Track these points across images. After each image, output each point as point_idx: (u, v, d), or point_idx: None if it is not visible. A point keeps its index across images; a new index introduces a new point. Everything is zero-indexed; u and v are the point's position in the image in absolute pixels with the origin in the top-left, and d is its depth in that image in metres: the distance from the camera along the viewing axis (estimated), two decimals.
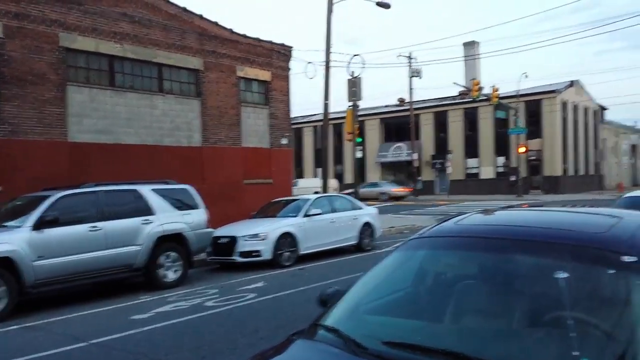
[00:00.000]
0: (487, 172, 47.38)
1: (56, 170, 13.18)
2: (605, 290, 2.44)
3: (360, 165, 52.85)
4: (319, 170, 52.04)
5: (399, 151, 50.26)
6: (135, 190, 10.16)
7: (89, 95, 14.29)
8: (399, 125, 49.83)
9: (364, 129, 52.91)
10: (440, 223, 3.22)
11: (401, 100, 49.79)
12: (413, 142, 45.82)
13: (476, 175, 47.83)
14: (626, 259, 2.39)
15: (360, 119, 52.31)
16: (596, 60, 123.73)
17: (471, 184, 46.82)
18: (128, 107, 15.15)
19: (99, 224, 9.34)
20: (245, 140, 18.60)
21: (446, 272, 3.01)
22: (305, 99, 60.39)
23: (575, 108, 47.98)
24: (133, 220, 9.85)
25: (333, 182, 46.58)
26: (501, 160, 46.40)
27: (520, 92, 41.41)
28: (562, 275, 2.39)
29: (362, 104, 56.27)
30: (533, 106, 44.53)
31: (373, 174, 52.96)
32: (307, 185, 42.06)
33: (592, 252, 2.50)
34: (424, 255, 3.03)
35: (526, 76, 39.79)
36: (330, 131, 48.44)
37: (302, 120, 55.88)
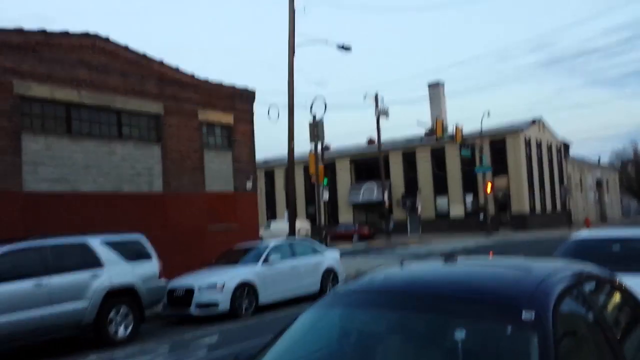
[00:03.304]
0: (456, 211, 47.79)
1: (9, 222, 12.72)
2: (504, 347, 2.40)
3: (332, 206, 52.97)
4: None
5: (370, 191, 50.46)
6: (83, 243, 9.79)
7: (44, 143, 13.99)
8: (369, 165, 50.22)
9: (335, 169, 53.20)
10: (356, 278, 3.20)
11: (370, 140, 50.31)
12: (383, 182, 46.12)
13: (446, 214, 48.18)
14: (525, 315, 2.37)
15: (331, 159, 52.91)
16: (557, 97, 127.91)
17: (442, 223, 47.10)
18: (86, 154, 14.85)
19: (44, 280, 8.91)
20: (209, 185, 18.37)
21: (357, 331, 2.92)
22: (276, 140, 60.77)
23: (539, 145, 49.09)
24: (80, 274, 9.44)
25: (305, 224, 46.37)
26: (470, 198, 46.92)
27: (485, 131, 42.28)
28: (461, 333, 2.40)
29: (333, 144, 56.89)
30: (498, 144, 45.44)
31: (345, 214, 52.94)
32: (280, 228, 41.72)
33: (492, 308, 2.49)
34: (337, 313, 2.97)
35: (489, 115, 40.79)
36: (301, 172, 48.51)
37: (274, 162, 55.85)
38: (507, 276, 2.93)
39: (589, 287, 3.03)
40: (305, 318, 2.99)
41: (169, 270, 12.82)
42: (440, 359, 2.49)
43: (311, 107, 20.88)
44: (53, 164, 14.08)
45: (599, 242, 7.31)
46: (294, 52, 20.60)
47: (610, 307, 3.34)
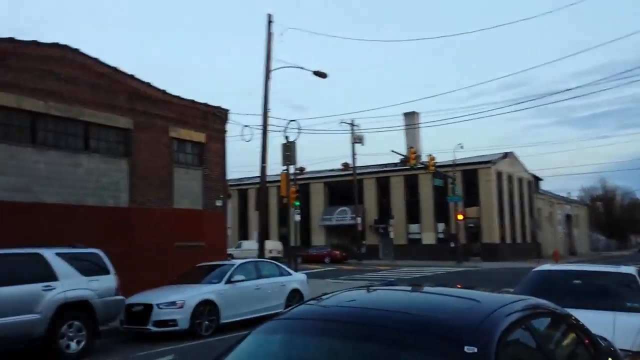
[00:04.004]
0: (428, 238, 48.08)
1: None
2: None
3: (305, 228, 52.78)
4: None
5: (343, 215, 50.51)
6: (37, 254, 9.55)
7: (7, 152, 13.69)
8: (343, 189, 50.37)
9: (308, 192, 53.18)
10: (300, 304, 3.19)
11: (345, 165, 50.54)
12: (357, 207, 46.26)
13: (418, 240, 48.43)
14: (467, 349, 2.33)
15: (305, 182, 52.89)
16: (526, 134, 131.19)
17: (414, 249, 47.27)
18: (49, 165, 14.58)
19: None
20: (177, 202, 18.16)
21: (295, 358, 2.84)
22: (250, 160, 60.86)
23: (510, 178, 49.90)
24: (32, 287, 9.18)
25: (276, 245, 46.06)
26: (441, 226, 47.29)
27: (457, 162, 42.84)
28: None
29: (309, 168, 57.00)
30: (470, 175, 46.06)
31: (318, 236, 52.82)
32: (251, 247, 41.34)
33: (434, 340, 2.44)
34: (277, 339, 2.92)
35: (461, 147, 41.60)
36: (275, 193, 48.36)
37: (247, 182, 55.58)
38: (454, 307, 2.88)
39: (539, 322, 3.00)
40: (245, 343, 2.94)
41: (133, 286, 12.56)
42: None
43: (285, 130, 20.91)
44: (14, 173, 13.78)
45: (560, 276, 7.37)
46: (269, 76, 20.72)
47: (561, 343, 3.30)
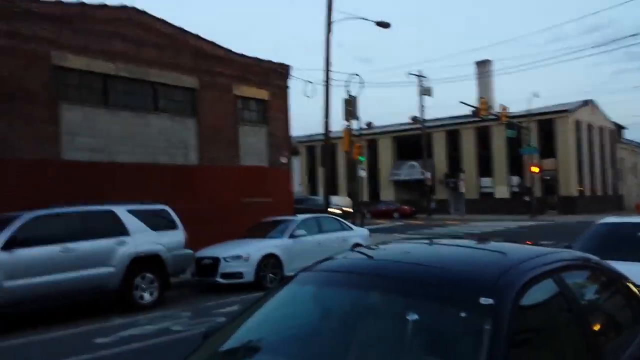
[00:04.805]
0: (501, 192, 46.73)
1: (48, 189, 13.15)
2: (459, 331, 2.35)
3: (374, 184, 52.68)
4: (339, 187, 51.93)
5: (412, 170, 49.85)
6: (110, 211, 10.05)
7: (82, 113, 14.36)
8: (411, 143, 49.51)
9: (377, 147, 52.76)
10: (333, 257, 3.21)
11: (414, 119, 49.54)
12: (425, 161, 45.46)
13: (491, 194, 47.20)
14: (483, 301, 2.28)
15: (372, 137, 52.45)
16: (613, 79, 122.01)
17: (486, 204, 46.16)
18: (122, 126, 15.18)
19: (71, 245, 9.21)
20: (244, 159, 18.53)
21: (324, 309, 2.92)
22: (319, 116, 60.49)
23: (590, 127, 47.20)
24: (107, 241, 9.72)
25: (345, 200, 46.32)
26: (515, 179, 45.74)
27: (532, 112, 40.93)
28: (413, 316, 2.37)
29: (376, 122, 56.30)
30: (546, 126, 43.95)
31: (387, 192, 52.59)
32: (320, 203, 41.93)
33: (452, 291, 2.44)
34: (309, 291, 2.98)
35: (537, 96, 39.61)
36: (342, 149, 48.29)
37: (316, 138, 55.73)
38: (479, 260, 2.89)
39: (572, 276, 2.89)
40: (279, 294, 3.00)
41: (202, 240, 13.08)
42: (395, 338, 2.47)
43: (347, 85, 20.62)
44: (90, 134, 14.45)
45: (626, 228, 6.97)
46: (330, 29, 20.34)
47: (598, 299, 3.18)
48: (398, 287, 2.58)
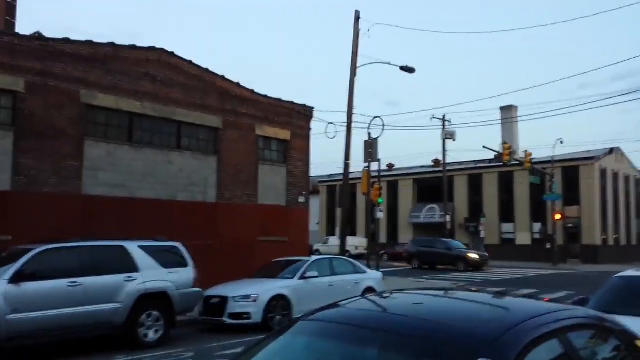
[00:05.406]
0: (523, 238, 46.01)
1: (69, 224, 13.43)
2: None
3: (393, 225, 52.40)
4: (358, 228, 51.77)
5: (432, 212, 49.52)
6: (121, 247, 10.20)
7: (106, 150, 14.75)
8: (432, 186, 49.33)
9: (397, 188, 52.68)
10: (336, 304, 3.20)
11: (436, 162, 49.50)
12: (446, 204, 45.14)
13: (512, 240, 46.51)
14: None
15: (393, 178, 52.48)
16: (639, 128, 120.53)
17: (507, 250, 45.42)
18: (145, 163, 15.53)
19: (79, 280, 9.32)
20: (262, 198, 18.71)
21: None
22: (340, 157, 61.10)
23: (615, 176, 46.56)
24: (115, 277, 9.82)
25: (363, 241, 46.03)
26: (537, 226, 45.08)
27: (557, 158, 40.60)
28: None
29: (398, 164, 56.38)
30: (570, 172, 43.48)
31: (405, 234, 52.17)
32: (338, 244, 41.69)
33: (450, 350, 2.37)
34: (302, 342, 2.96)
35: (562, 142, 39.21)
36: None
37: (336, 178, 55.97)
38: (480, 316, 2.80)
39: (579, 336, 2.78)
40: (272, 344, 2.99)
41: (217, 278, 13.16)
42: None
43: (369, 127, 20.86)
44: (113, 169, 14.80)
45: None
46: (354, 73, 20.72)
47: None
48: (394, 343, 2.53)
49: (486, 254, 34.31)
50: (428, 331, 2.54)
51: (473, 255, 32.09)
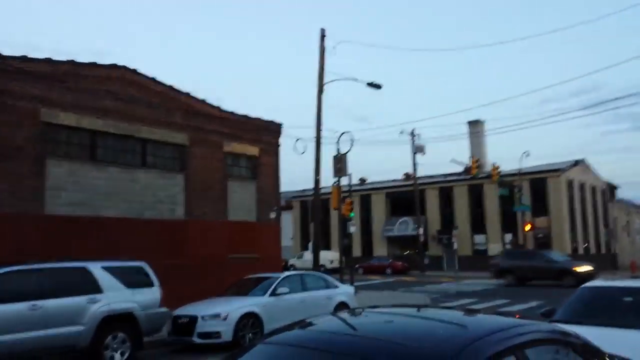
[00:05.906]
0: (495, 249, 46.48)
1: (30, 244, 13.05)
2: None
3: (367, 239, 52.46)
4: (334, 243, 51.65)
5: (405, 225, 49.77)
6: (83, 268, 9.92)
7: (69, 168, 14.43)
8: (404, 199, 49.65)
9: (370, 202, 52.84)
10: (285, 327, 3.21)
11: (407, 175, 49.87)
12: (418, 217, 45.42)
13: (484, 251, 46.96)
14: None
15: (366, 193, 52.64)
16: (603, 140, 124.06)
17: (479, 261, 45.81)
18: (108, 181, 15.24)
19: (39, 303, 9.03)
20: (232, 214, 18.51)
21: None
22: (312, 172, 61.38)
23: (582, 186, 47.56)
24: (77, 299, 9.53)
25: (337, 256, 45.94)
26: (509, 237, 45.66)
27: (524, 171, 41.30)
28: None
29: (371, 178, 56.64)
30: (538, 184, 44.27)
31: (380, 247, 52.30)
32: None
33: None
34: None
35: (528, 155, 39.95)
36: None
37: (309, 194, 55.87)
38: (436, 334, 2.78)
39: (537, 352, 2.76)
40: None
41: (186, 297, 12.88)
42: None
43: (337, 142, 20.89)
44: (75, 189, 14.47)
45: (611, 292, 6.89)
46: (322, 90, 20.79)
47: None
48: None
49: (594, 265, 28.12)
50: (380, 352, 2.50)
51: (582, 269, 26.36)
